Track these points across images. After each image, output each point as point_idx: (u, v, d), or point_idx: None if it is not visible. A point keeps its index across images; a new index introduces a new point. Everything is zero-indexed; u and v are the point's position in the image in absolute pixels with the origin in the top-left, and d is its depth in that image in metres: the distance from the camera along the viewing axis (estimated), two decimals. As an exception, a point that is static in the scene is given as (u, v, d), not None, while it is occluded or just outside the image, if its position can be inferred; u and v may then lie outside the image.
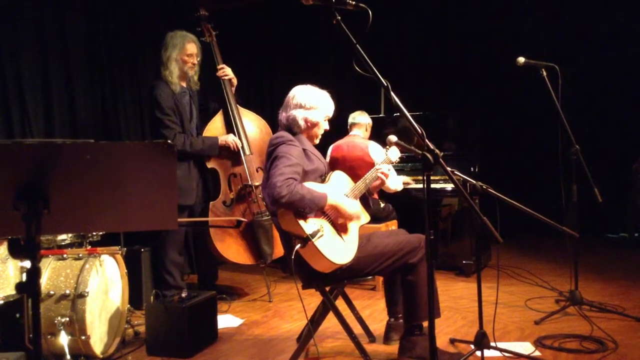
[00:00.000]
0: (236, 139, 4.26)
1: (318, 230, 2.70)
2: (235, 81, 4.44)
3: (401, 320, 3.21)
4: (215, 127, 4.36)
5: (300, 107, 2.98)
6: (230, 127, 4.35)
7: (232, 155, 4.29)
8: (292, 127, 3.00)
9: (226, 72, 4.39)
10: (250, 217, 4.26)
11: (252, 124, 4.48)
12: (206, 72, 4.51)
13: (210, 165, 4.29)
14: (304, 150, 2.93)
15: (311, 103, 2.98)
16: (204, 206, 4.30)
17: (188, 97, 4.32)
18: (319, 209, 2.77)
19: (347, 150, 4.48)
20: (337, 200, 2.83)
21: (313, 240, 2.66)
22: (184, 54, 4.17)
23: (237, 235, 4.28)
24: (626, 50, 6.26)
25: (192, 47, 4.21)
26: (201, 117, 4.43)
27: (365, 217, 3.14)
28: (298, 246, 2.67)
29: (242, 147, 4.29)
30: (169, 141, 4.00)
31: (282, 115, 3.03)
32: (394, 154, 3.27)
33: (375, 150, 4.39)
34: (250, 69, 6.56)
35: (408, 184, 4.80)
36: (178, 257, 4.24)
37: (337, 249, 2.77)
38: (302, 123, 2.98)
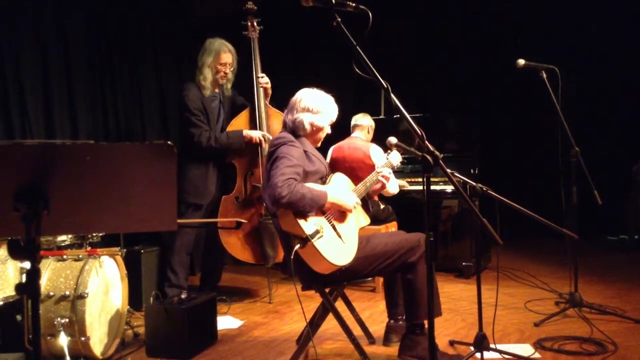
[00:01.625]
0: (260, 134, 4.27)
1: (318, 231, 2.69)
2: (270, 92, 4.44)
3: (401, 322, 3.21)
4: (239, 123, 4.37)
5: (308, 110, 2.98)
6: (254, 124, 4.37)
7: (253, 154, 4.31)
8: (297, 130, 3.00)
9: (266, 80, 4.39)
10: (258, 218, 4.29)
11: (278, 123, 4.41)
12: (242, 67, 4.47)
13: (229, 160, 4.33)
14: (305, 152, 2.93)
15: (318, 107, 2.99)
16: (218, 200, 4.32)
17: (218, 102, 4.38)
18: (320, 207, 2.77)
19: (348, 151, 4.48)
20: (337, 196, 2.84)
21: (312, 240, 2.66)
22: (218, 62, 4.23)
23: (243, 234, 4.31)
24: (626, 52, 6.27)
25: (228, 57, 4.26)
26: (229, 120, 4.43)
27: (365, 220, 3.14)
28: (297, 246, 2.67)
29: (265, 137, 4.29)
30: (196, 138, 4.03)
31: (288, 118, 3.03)
32: (395, 158, 3.27)
33: (376, 153, 4.39)
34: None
35: (403, 186, 4.81)
36: (185, 258, 4.27)
37: (336, 250, 2.77)
38: (308, 127, 2.99)
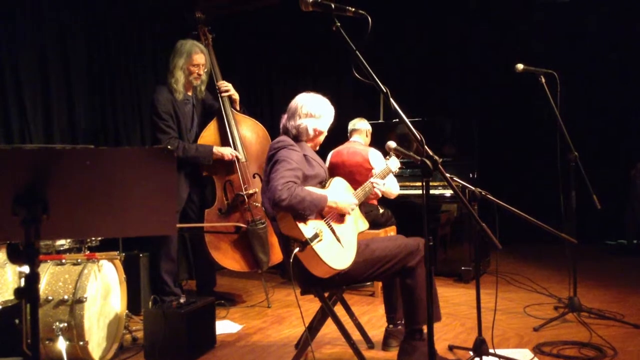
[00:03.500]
0: (233, 152, 4.22)
1: (317, 235, 2.70)
2: (236, 97, 4.39)
3: (400, 327, 3.21)
4: (209, 134, 4.32)
5: (311, 116, 2.99)
6: (224, 135, 4.30)
7: (227, 163, 4.26)
8: (300, 136, 3.01)
9: (228, 88, 4.34)
10: (245, 225, 4.24)
11: (249, 130, 4.44)
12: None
13: (205, 173, 4.29)
14: (305, 155, 2.94)
15: (320, 112, 3.01)
16: (201, 214, 4.29)
17: (191, 105, 4.31)
18: (319, 210, 2.78)
19: (347, 156, 4.49)
20: (336, 200, 2.85)
21: (312, 244, 2.66)
22: (191, 64, 4.16)
23: (233, 243, 4.27)
24: (625, 57, 6.28)
25: (200, 58, 4.19)
26: (206, 122, 4.39)
27: (364, 224, 3.15)
28: (297, 250, 2.67)
29: (237, 155, 4.26)
30: (163, 145, 4.00)
31: (290, 124, 3.02)
32: (394, 164, 3.28)
33: (375, 157, 4.40)
34: (248, 73, 6.58)
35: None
36: (170, 265, 4.21)
37: (335, 254, 2.77)
38: (312, 132, 3.00)
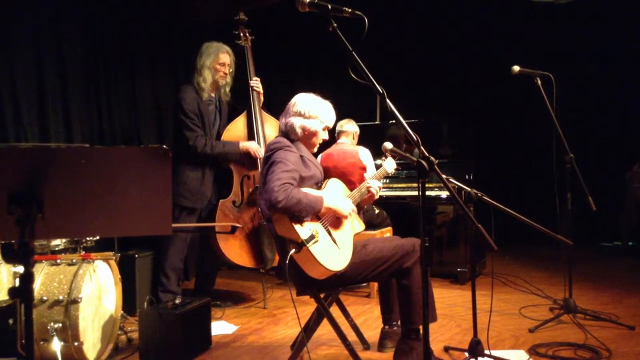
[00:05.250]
0: (258, 148, 4.30)
1: (313, 236, 2.69)
2: (262, 97, 4.53)
3: (396, 328, 3.21)
4: (236, 128, 4.41)
5: (300, 115, 3.00)
6: (251, 130, 4.41)
7: (250, 158, 4.32)
8: (289, 134, 3.02)
9: (258, 84, 4.50)
10: (258, 220, 4.29)
11: (272, 129, 4.50)
12: (237, 75, 4.53)
13: (225, 164, 4.34)
14: (301, 157, 2.94)
15: (310, 112, 3.00)
16: (214, 205, 4.31)
17: (214, 107, 4.39)
18: (316, 212, 2.77)
19: (337, 158, 4.48)
20: (333, 202, 2.84)
21: (308, 245, 2.66)
22: (217, 62, 4.26)
23: (241, 237, 4.31)
24: (621, 59, 6.31)
25: (226, 57, 4.31)
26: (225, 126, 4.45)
27: (360, 225, 3.14)
28: (292, 251, 2.67)
29: (261, 152, 4.32)
30: (191, 142, 4.04)
31: (282, 121, 3.06)
32: (390, 165, 3.28)
33: (365, 155, 4.40)
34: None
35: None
36: (179, 263, 4.26)
37: (331, 255, 2.76)
38: (299, 131, 3.00)
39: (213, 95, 4.38)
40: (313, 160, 3.05)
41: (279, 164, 2.77)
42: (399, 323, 3.12)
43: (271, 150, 2.88)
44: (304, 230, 2.70)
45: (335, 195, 2.97)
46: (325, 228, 2.84)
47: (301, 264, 2.73)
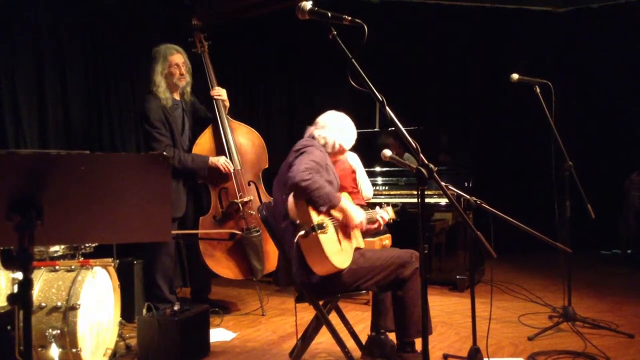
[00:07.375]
0: (227, 162, 4.22)
1: (323, 227, 2.75)
2: (227, 104, 4.42)
3: (383, 337, 3.22)
4: (204, 142, 4.32)
5: (341, 131, 3.14)
6: (219, 142, 4.30)
7: (222, 171, 4.24)
8: (326, 147, 3.11)
9: (220, 93, 4.37)
10: (241, 234, 4.22)
11: (244, 137, 4.44)
12: (198, 84, 4.49)
13: (200, 180, 4.29)
14: (326, 164, 3.01)
15: (347, 132, 3.16)
16: (196, 221, 4.28)
17: (181, 110, 4.29)
18: (332, 205, 2.83)
19: None
20: (349, 206, 2.92)
21: (317, 232, 2.70)
22: (169, 66, 4.14)
23: (227, 251, 4.26)
24: (620, 68, 6.33)
25: (178, 57, 4.17)
26: (198, 125, 4.39)
27: (361, 244, 3.18)
28: (301, 233, 2.69)
29: (233, 162, 4.26)
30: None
31: (317, 132, 3.12)
32: (385, 215, 3.30)
33: (354, 159, 4.40)
34: (243, 79, 6.57)
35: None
36: (167, 271, 4.20)
37: (335, 250, 2.81)
38: (337, 146, 3.13)
39: (178, 98, 4.27)
40: (334, 170, 3.12)
41: (308, 155, 2.87)
42: (386, 332, 3.19)
43: (303, 146, 2.96)
44: (317, 218, 2.76)
45: (350, 203, 3.00)
46: (334, 226, 2.90)
47: (305, 252, 2.76)
